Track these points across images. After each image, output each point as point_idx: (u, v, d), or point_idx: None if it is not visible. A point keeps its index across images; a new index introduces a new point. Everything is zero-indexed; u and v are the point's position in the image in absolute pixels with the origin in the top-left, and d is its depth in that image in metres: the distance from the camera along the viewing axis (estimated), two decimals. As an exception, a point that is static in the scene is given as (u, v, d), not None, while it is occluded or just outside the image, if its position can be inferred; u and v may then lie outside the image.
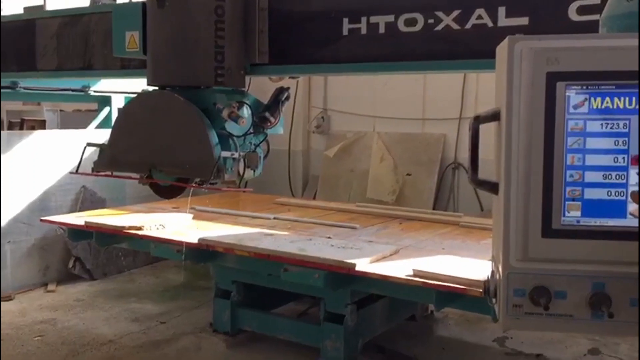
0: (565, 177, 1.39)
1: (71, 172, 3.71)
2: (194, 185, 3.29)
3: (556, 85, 1.37)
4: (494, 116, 1.50)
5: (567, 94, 1.38)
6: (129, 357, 4.24)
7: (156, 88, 3.35)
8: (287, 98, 3.52)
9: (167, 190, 3.45)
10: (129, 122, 3.37)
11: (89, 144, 3.49)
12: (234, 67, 3.37)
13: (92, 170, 3.46)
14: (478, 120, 1.51)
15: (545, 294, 1.39)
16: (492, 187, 1.49)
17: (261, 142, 3.39)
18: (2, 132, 5.82)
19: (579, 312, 1.41)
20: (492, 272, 1.57)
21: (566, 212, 1.39)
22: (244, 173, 3.18)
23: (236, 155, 3.12)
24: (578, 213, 1.40)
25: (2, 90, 5.24)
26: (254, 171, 3.27)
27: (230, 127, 3.18)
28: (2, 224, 5.50)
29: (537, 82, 1.37)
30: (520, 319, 1.42)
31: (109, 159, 3.39)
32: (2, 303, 5.29)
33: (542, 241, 1.39)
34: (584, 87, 1.38)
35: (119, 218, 4.69)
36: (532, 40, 1.38)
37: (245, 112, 3.25)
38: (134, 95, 3.38)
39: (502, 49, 1.48)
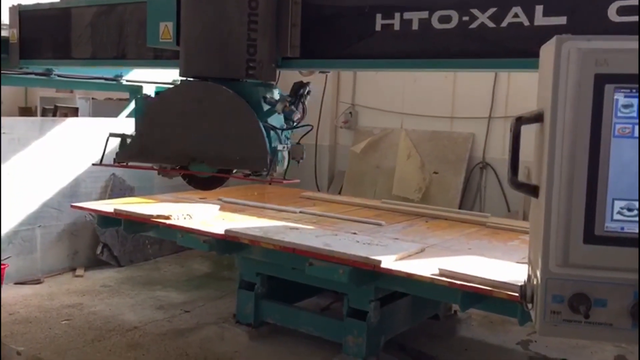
0: (610, 181, 1.35)
1: (94, 164, 3.70)
2: (242, 176, 3.33)
3: (604, 88, 1.34)
4: (537, 117, 1.47)
5: (615, 96, 1.35)
6: (153, 344, 4.30)
7: (193, 79, 3.32)
8: (308, 93, 3.49)
9: (205, 182, 3.45)
10: (164, 112, 3.32)
11: (112, 135, 3.47)
12: (265, 61, 3.37)
13: (115, 160, 3.44)
14: (520, 121, 1.48)
15: (584, 302, 1.36)
16: (532, 190, 1.46)
17: (300, 137, 3.43)
18: (35, 118, 5.93)
19: (620, 321, 1.38)
20: (529, 276, 1.54)
21: (610, 219, 1.36)
22: (289, 164, 3.24)
23: (286, 147, 3.19)
24: (623, 220, 1.36)
25: (38, 77, 5.33)
26: (298, 162, 3.36)
27: (272, 119, 3.22)
28: (33, 209, 5.61)
29: (585, 84, 1.34)
30: (558, 325, 1.39)
31: (138, 149, 3.34)
32: (31, 286, 5.41)
33: (584, 247, 1.36)
34: (634, 90, 1.35)
35: (147, 207, 4.75)
36: (581, 41, 1.35)
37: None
38: (172, 86, 3.34)
39: (547, 49, 1.45)
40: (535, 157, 1.55)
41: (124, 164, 3.46)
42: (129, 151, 3.38)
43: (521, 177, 1.55)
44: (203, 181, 3.43)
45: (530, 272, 1.56)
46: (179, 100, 3.29)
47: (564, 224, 1.36)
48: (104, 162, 3.57)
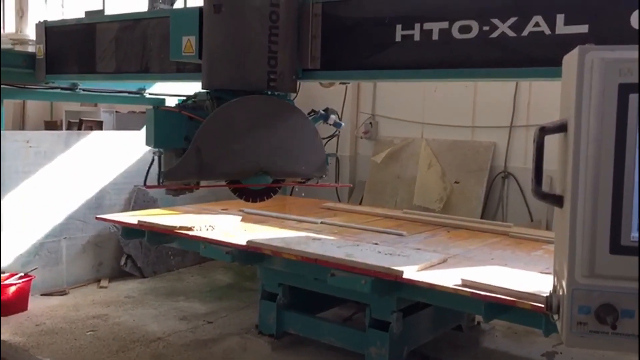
0: (636, 191, 1.34)
1: (145, 186, 3.60)
2: (296, 183, 3.48)
3: (629, 97, 1.33)
4: (561, 127, 1.46)
5: None
6: (176, 355, 4.32)
7: (251, 94, 3.39)
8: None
9: (257, 193, 3.51)
10: (225, 127, 3.26)
11: (158, 153, 3.39)
12: (286, 72, 3.42)
13: (162, 180, 3.34)
14: (544, 131, 1.47)
15: (611, 312, 1.34)
16: (557, 200, 1.45)
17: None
18: (61, 131, 6.03)
19: None
20: (554, 287, 1.53)
21: (636, 228, 1.35)
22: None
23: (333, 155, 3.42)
24: None
25: (64, 91, 5.44)
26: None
27: None
28: (59, 221, 5.70)
29: (609, 94, 1.33)
30: (585, 337, 1.38)
31: (197, 166, 3.22)
32: (57, 297, 5.49)
33: (610, 258, 1.35)
34: None
35: (170, 218, 4.80)
36: (604, 51, 1.34)
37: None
38: (233, 101, 3.26)
39: (570, 59, 1.45)
40: (559, 166, 1.55)
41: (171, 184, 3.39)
42: (186, 168, 3.24)
43: (543, 186, 1.54)
44: (255, 193, 3.49)
45: (555, 283, 1.54)
46: (240, 114, 3.28)
47: (590, 234, 1.35)
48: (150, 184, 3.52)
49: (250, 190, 3.46)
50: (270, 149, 3.28)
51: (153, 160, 3.44)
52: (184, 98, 3.65)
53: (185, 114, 3.38)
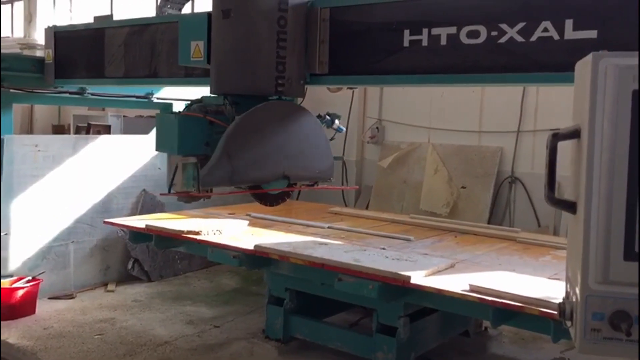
0: None
1: (166, 194, 3.47)
2: (310, 186, 3.54)
3: None
4: (574, 134, 1.45)
5: None
6: (183, 359, 4.33)
7: (273, 98, 3.40)
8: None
9: (274, 197, 3.57)
10: (253, 133, 3.27)
11: (183, 163, 3.31)
12: (294, 77, 3.42)
13: (199, 188, 3.25)
14: (557, 137, 1.47)
15: (626, 319, 1.33)
16: (570, 207, 1.45)
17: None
18: (69, 135, 6.05)
19: None
20: (567, 293, 1.52)
21: None
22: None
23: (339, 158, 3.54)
24: None
25: (72, 96, 5.47)
26: None
27: None
28: (67, 225, 5.73)
29: (623, 100, 1.33)
30: (599, 343, 1.37)
31: (229, 172, 3.19)
32: (65, 300, 5.51)
33: (624, 264, 1.34)
34: None
35: (177, 222, 4.81)
36: (618, 57, 1.34)
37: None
38: (259, 106, 3.26)
39: (583, 65, 1.44)
40: (572, 172, 1.54)
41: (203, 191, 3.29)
42: (220, 174, 3.19)
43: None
44: (272, 197, 3.54)
45: (568, 289, 1.53)
46: (265, 119, 3.29)
47: (604, 240, 1.34)
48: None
49: (270, 194, 3.51)
50: (291, 153, 3.34)
51: (177, 166, 3.38)
52: (188, 102, 3.64)
53: (210, 119, 3.37)
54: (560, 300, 1.51)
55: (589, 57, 1.38)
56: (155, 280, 6.22)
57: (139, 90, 5.85)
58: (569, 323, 1.45)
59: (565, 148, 1.58)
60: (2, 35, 13.86)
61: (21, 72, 5.21)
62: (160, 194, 3.65)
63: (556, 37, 2.76)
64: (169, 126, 3.37)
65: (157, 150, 3.49)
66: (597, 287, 1.37)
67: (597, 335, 1.37)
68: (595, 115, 1.36)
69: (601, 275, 1.35)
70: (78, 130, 9.10)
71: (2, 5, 14.04)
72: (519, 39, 2.87)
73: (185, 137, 3.33)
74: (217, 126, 3.36)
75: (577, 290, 1.39)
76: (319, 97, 7.04)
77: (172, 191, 3.36)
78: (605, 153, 1.35)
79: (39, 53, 9.64)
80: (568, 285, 1.56)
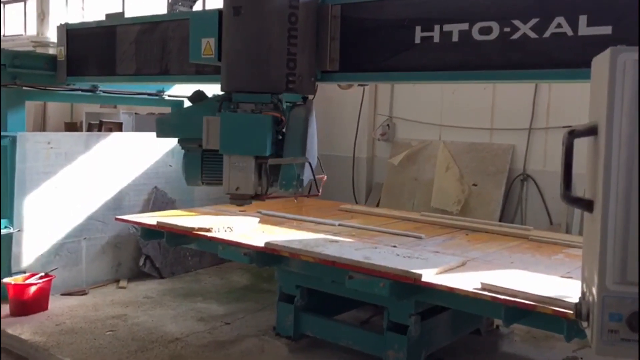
0: None
1: (262, 198, 3.64)
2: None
3: None
4: (591, 130, 1.42)
5: None
6: (195, 356, 4.34)
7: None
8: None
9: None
10: (305, 129, 3.44)
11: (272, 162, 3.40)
12: (305, 74, 3.42)
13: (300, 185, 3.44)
14: (573, 134, 1.44)
15: (644, 320, 1.31)
16: (587, 205, 1.42)
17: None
18: (81, 133, 6.08)
19: None
20: (583, 293, 1.49)
21: None
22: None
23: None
24: None
25: (84, 93, 5.50)
26: None
27: None
28: (79, 222, 5.76)
29: None
30: (616, 345, 1.34)
31: (309, 167, 3.41)
32: (77, 297, 5.55)
33: None
34: None
35: (188, 219, 4.82)
36: (637, 52, 1.31)
37: None
38: (303, 104, 3.52)
39: (601, 60, 1.41)
40: (589, 170, 1.51)
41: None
42: (310, 170, 3.42)
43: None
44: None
45: (584, 289, 1.51)
46: (308, 116, 3.48)
47: (621, 239, 1.32)
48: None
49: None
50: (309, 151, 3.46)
51: (262, 167, 3.41)
52: (213, 98, 3.66)
53: (283, 118, 3.42)
54: (576, 300, 1.49)
55: (607, 52, 1.35)
56: (167, 277, 6.25)
57: (150, 87, 5.87)
58: (585, 324, 1.42)
59: (579, 145, 1.56)
60: (15, 34, 13.97)
61: (34, 69, 5.25)
62: (252, 200, 3.56)
63: (570, 33, 2.73)
64: (253, 127, 3.37)
65: (225, 152, 3.43)
66: (615, 288, 1.34)
67: (614, 336, 1.34)
68: (614, 111, 1.33)
69: (619, 275, 1.32)
70: (90, 128, 9.16)
71: (15, 4, 14.15)
72: (532, 35, 2.84)
73: (269, 137, 3.36)
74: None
75: (594, 291, 1.37)
76: (329, 94, 7.04)
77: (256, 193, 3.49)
78: (624, 150, 1.32)
79: (51, 51, 9.70)
80: (584, 285, 1.53)
